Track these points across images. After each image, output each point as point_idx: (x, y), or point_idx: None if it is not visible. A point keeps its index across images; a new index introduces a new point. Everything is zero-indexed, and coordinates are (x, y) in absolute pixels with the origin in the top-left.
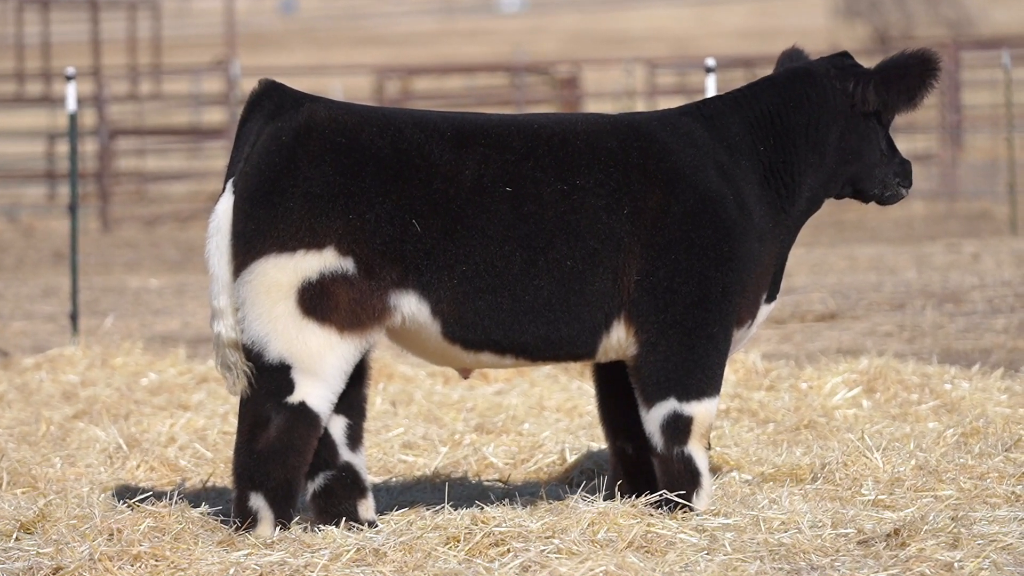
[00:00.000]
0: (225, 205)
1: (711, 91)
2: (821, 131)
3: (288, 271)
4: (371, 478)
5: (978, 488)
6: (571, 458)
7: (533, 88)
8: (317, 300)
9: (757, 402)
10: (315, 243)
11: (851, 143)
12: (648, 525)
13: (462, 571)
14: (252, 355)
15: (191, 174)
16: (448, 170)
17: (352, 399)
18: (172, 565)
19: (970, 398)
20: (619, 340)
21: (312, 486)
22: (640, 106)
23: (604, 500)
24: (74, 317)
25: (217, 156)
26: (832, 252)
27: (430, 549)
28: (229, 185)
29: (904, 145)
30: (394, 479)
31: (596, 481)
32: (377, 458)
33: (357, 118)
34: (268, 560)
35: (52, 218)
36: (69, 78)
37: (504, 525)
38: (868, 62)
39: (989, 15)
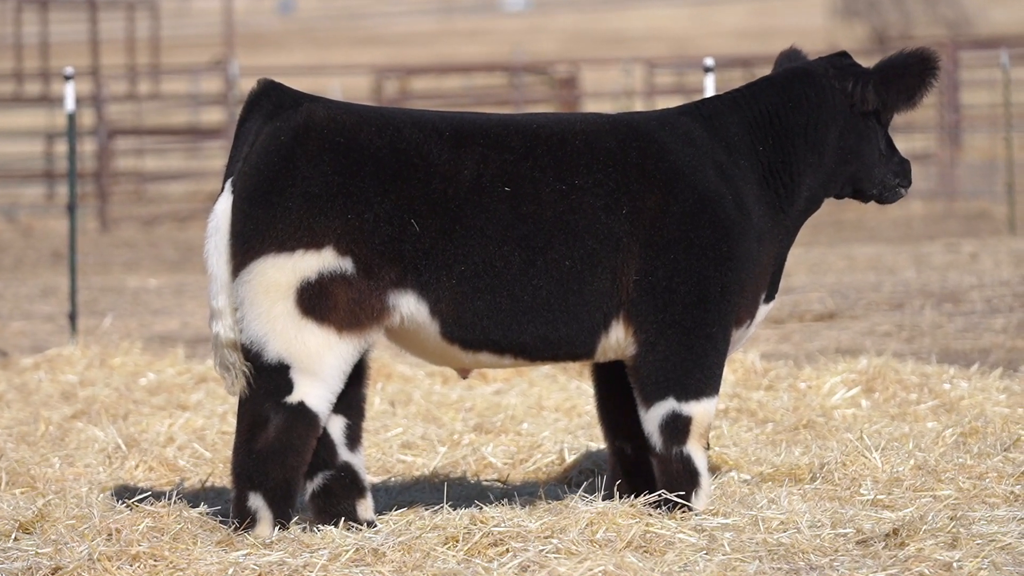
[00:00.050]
0: (224, 205)
1: (710, 91)
2: (820, 131)
3: (287, 271)
4: (370, 478)
5: (977, 488)
6: (570, 458)
7: (532, 88)
8: (316, 300)
9: (756, 402)
10: (314, 243)
11: (850, 143)
12: (647, 525)
13: (461, 571)
14: (251, 355)
15: (190, 174)
16: (447, 170)
17: (351, 399)
18: (171, 565)
19: (969, 398)
20: (618, 340)
21: (311, 486)
22: (638, 106)
23: (603, 500)
24: (73, 317)
25: (216, 156)
26: (831, 252)
27: (429, 549)
28: (228, 185)
29: (903, 145)
30: (393, 479)
31: (595, 481)
32: (376, 458)
33: (356, 118)
34: (267, 560)
35: (51, 218)
36: (68, 78)
37: (503, 525)
38: (867, 62)
39: (987, 15)
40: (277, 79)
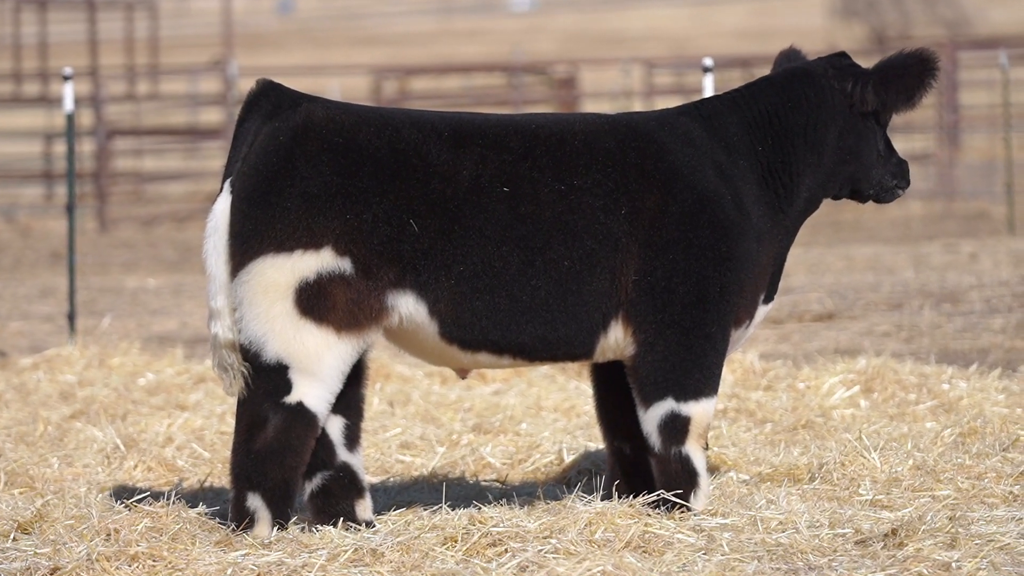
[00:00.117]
0: (223, 205)
1: (709, 91)
2: (819, 131)
3: (285, 271)
4: (369, 478)
5: (976, 488)
6: (569, 458)
7: (531, 88)
8: (314, 300)
9: (755, 402)
10: (312, 243)
11: (849, 143)
12: (646, 525)
13: (460, 571)
14: (249, 355)
15: (188, 174)
16: (446, 170)
17: (349, 399)
18: (169, 565)
19: (968, 398)
20: (617, 340)
21: (310, 486)
22: (638, 106)
23: (602, 500)
24: (71, 317)
25: (214, 156)
26: (829, 252)
27: (428, 549)
28: (227, 185)
29: (902, 145)
30: (392, 479)
31: (594, 481)
32: (375, 458)
33: (354, 118)
34: (266, 560)
35: (49, 218)
36: (66, 78)
37: (502, 525)
38: (866, 62)
39: (986, 15)
40: (276, 79)
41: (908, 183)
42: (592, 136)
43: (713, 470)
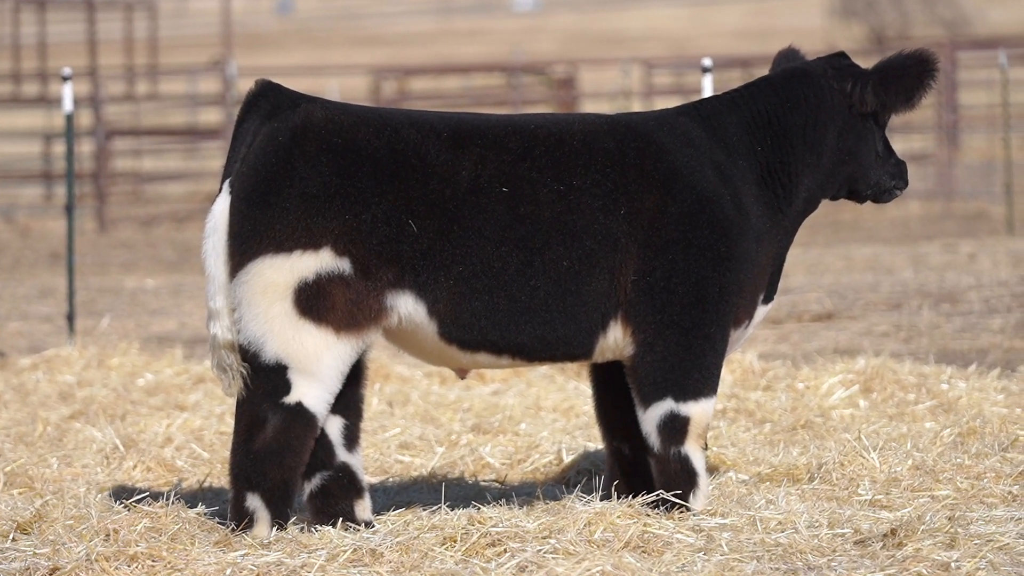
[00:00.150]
0: (222, 205)
1: (708, 91)
2: (819, 131)
3: (284, 271)
4: (368, 478)
5: (975, 488)
6: (568, 458)
7: (530, 88)
8: (313, 300)
9: (754, 402)
10: (311, 243)
11: (848, 144)
12: (645, 525)
13: (459, 571)
14: (249, 355)
15: (188, 174)
16: (445, 170)
17: (349, 399)
18: (169, 565)
19: (967, 398)
20: (616, 340)
21: (309, 486)
22: (637, 106)
23: (601, 500)
24: (70, 317)
25: (214, 156)
26: (829, 252)
27: (427, 549)
28: (226, 185)
29: (901, 145)
30: (391, 479)
31: (593, 481)
32: (374, 458)
33: (354, 118)
34: (265, 560)
35: (49, 218)
36: (66, 78)
37: (501, 525)
38: (865, 62)
39: (986, 15)
40: (275, 79)
41: (906, 184)
42: (591, 136)
43: (712, 470)
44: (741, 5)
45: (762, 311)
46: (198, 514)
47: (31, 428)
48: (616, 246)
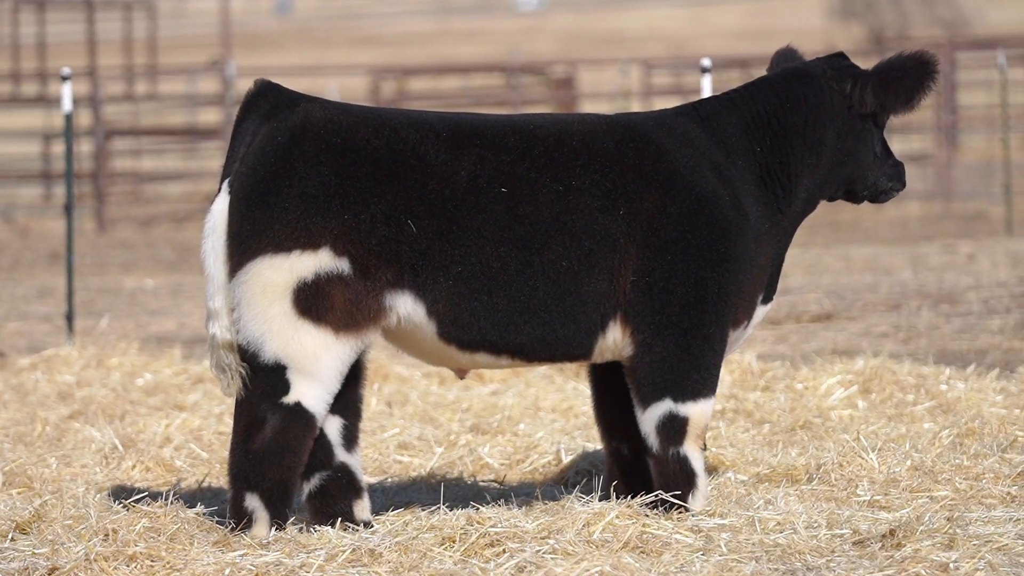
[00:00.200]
0: (221, 205)
1: (707, 91)
2: (818, 132)
3: (283, 271)
4: (367, 478)
5: (974, 489)
6: (567, 459)
7: (529, 88)
8: (312, 300)
9: (753, 403)
10: (310, 243)
11: (847, 144)
12: (644, 526)
13: (458, 571)
14: (248, 355)
15: (187, 174)
16: (444, 170)
17: (348, 399)
18: (168, 565)
19: (966, 399)
20: (615, 341)
21: (308, 486)
22: (636, 106)
23: (600, 500)
24: (70, 318)
25: (213, 156)
26: (828, 253)
27: (426, 550)
28: (225, 185)
29: (900, 146)
30: (390, 479)
31: (592, 482)
32: (373, 459)
33: (353, 118)
34: (264, 560)
35: (48, 218)
36: (65, 78)
37: (500, 526)
38: (864, 63)
39: (985, 15)
40: (274, 79)
41: (903, 185)
42: (590, 137)
43: (711, 471)
44: (740, 5)
45: (761, 311)
46: (197, 514)
47: (30, 428)
48: (615, 246)
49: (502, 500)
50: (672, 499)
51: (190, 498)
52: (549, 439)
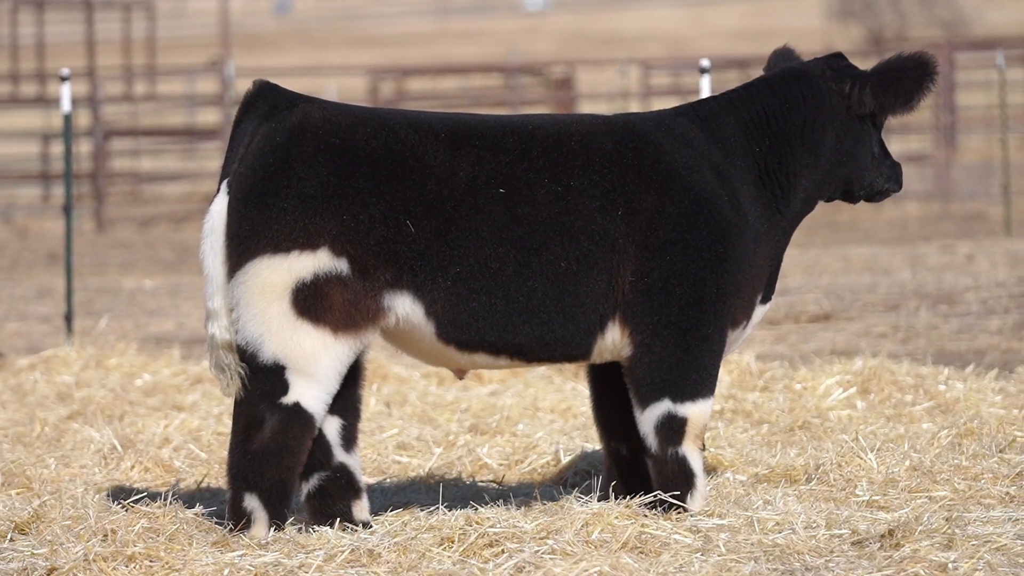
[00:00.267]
0: (220, 206)
1: (706, 92)
2: (817, 132)
3: (282, 272)
4: (365, 479)
5: (972, 489)
6: (565, 459)
7: (527, 89)
8: (311, 301)
9: (751, 403)
10: (309, 244)
11: (846, 145)
12: (642, 526)
13: (456, 572)
14: (246, 356)
15: (186, 175)
16: (442, 171)
17: (346, 400)
18: (167, 566)
19: (964, 399)
20: (614, 341)
21: (306, 487)
22: (634, 107)
23: (598, 501)
24: (68, 318)
25: (212, 157)
26: (826, 253)
27: (424, 550)
28: (224, 186)
29: (898, 146)
30: (388, 480)
31: (590, 482)
32: (371, 459)
33: (351, 119)
34: (262, 561)
35: (47, 219)
36: (64, 79)
37: (498, 526)
38: (862, 63)
39: (983, 16)
40: (273, 80)
41: (900, 186)
42: (589, 137)
43: (710, 471)
44: (739, 6)
45: (760, 312)
46: (196, 514)
47: (29, 428)
48: (614, 247)
49: (501, 500)
50: (671, 499)
51: (189, 498)
52: (548, 439)
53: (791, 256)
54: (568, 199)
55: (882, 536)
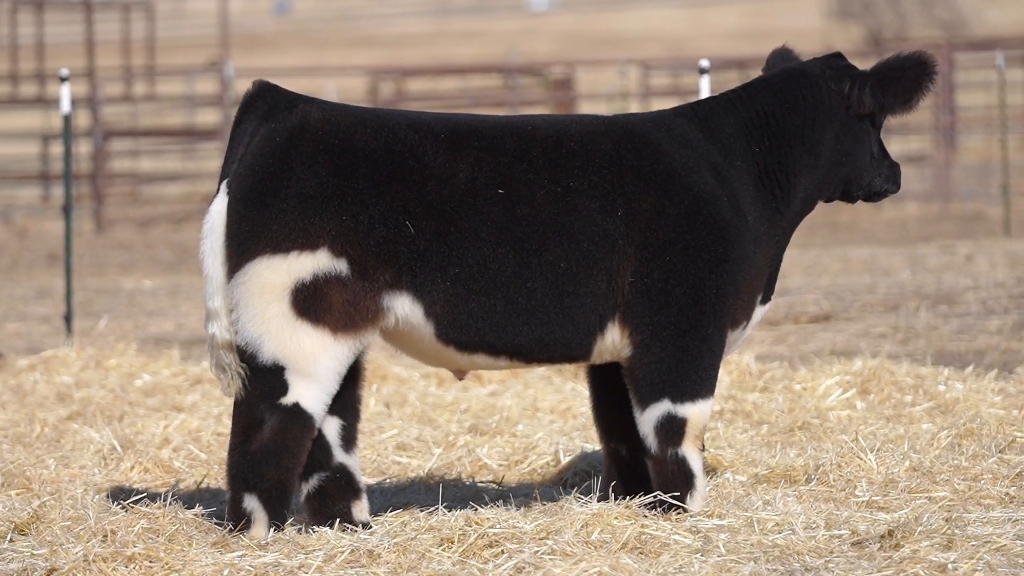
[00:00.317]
0: (219, 206)
1: (705, 92)
2: (817, 132)
3: (282, 272)
4: (365, 479)
5: (972, 489)
6: (565, 459)
7: (527, 89)
8: (311, 301)
9: (751, 403)
10: (308, 244)
11: (845, 145)
12: (642, 526)
13: (456, 572)
14: (246, 356)
15: (185, 175)
16: (442, 172)
17: (346, 400)
18: (166, 566)
19: (964, 399)
20: (613, 342)
21: (306, 487)
22: (634, 107)
23: (598, 501)
24: (68, 318)
25: (211, 157)
26: (826, 253)
27: (424, 550)
28: (223, 186)
29: (898, 146)
30: (388, 480)
31: (590, 482)
32: (371, 459)
33: (351, 119)
34: (262, 561)
35: (46, 219)
36: (63, 79)
37: (498, 526)
38: (862, 63)
39: (983, 16)
40: (272, 80)
41: (898, 187)
42: (588, 138)
43: (709, 471)
44: (738, 6)
45: (760, 312)
46: (195, 515)
47: (29, 429)
48: (613, 247)
49: (500, 501)
50: (670, 500)
51: (189, 499)
52: (547, 440)
53: (791, 256)
54: (567, 200)
55: (882, 537)
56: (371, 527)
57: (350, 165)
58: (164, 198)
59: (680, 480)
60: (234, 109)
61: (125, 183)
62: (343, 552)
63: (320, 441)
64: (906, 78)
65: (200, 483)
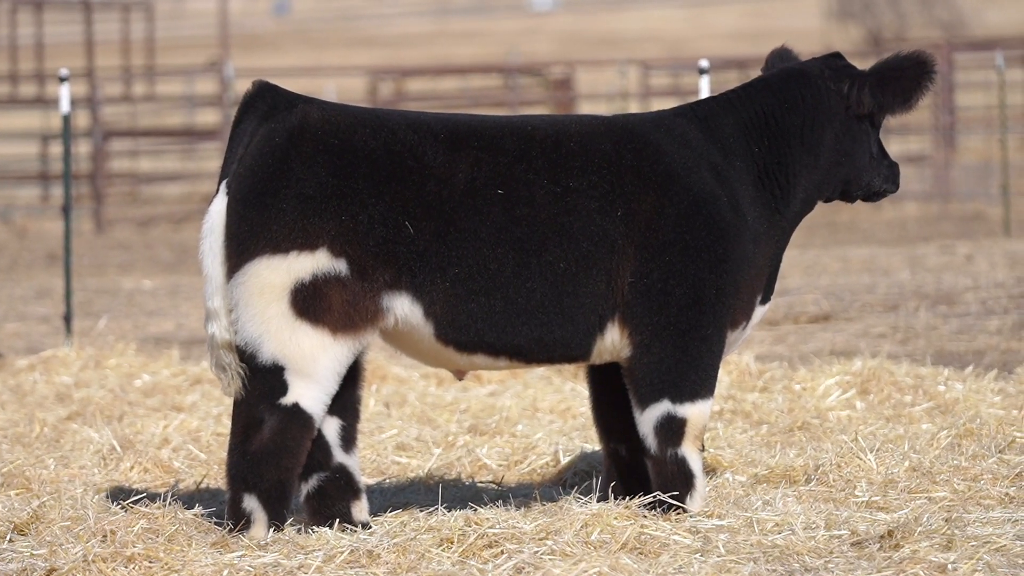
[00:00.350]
0: (219, 206)
1: (705, 92)
2: (816, 132)
3: (281, 272)
4: (365, 479)
5: (972, 490)
6: (565, 459)
7: (527, 89)
8: (310, 301)
9: (751, 404)
10: (308, 244)
11: (845, 145)
12: (642, 527)
13: (456, 572)
14: (245, 356)
15: (185, 175)
16: (441, 172)
17: (346, 400)
18: (166, 566)
19: (964, 400)
20: (613, 342)
21: (306, 487)
22: (634, 107)
23: (598, 502)
24: (67, 318)
25: (211, 157)
26: (825, 253)
27: (424, 551)
28: (223, 186)
29: (897, 147)
30: (388, 480)
31: (590, 482)
32: (371, 459)
33: (350, 119)
34: (262, 561)
35: (46, 219)
36: (63, 79)
37: (498, 527)
38: (861, 63)
39: (983, 16)
40: (272, 80)
41: (897, 187)
42: (588, 138)
43: (709, 472)
44: (738, 6)
45: (759, 312)
46: (195, 515)
47: (28, 429)
48: (613, 248)
49: (500, 501)
50: (670, 500)
51: (188, 499)
52: (547, 440)
53: (791, 256)
54: (567, 200)
55: (881, 537)
56: (371, 527)
57: (350, 165)
58: (164, 198)
59: (680, 480)
60: (233, 109)
61: (125, 183)
62: (343, 552)
63: (320, 441)
64: (905, 78)
65: (200, 483)
